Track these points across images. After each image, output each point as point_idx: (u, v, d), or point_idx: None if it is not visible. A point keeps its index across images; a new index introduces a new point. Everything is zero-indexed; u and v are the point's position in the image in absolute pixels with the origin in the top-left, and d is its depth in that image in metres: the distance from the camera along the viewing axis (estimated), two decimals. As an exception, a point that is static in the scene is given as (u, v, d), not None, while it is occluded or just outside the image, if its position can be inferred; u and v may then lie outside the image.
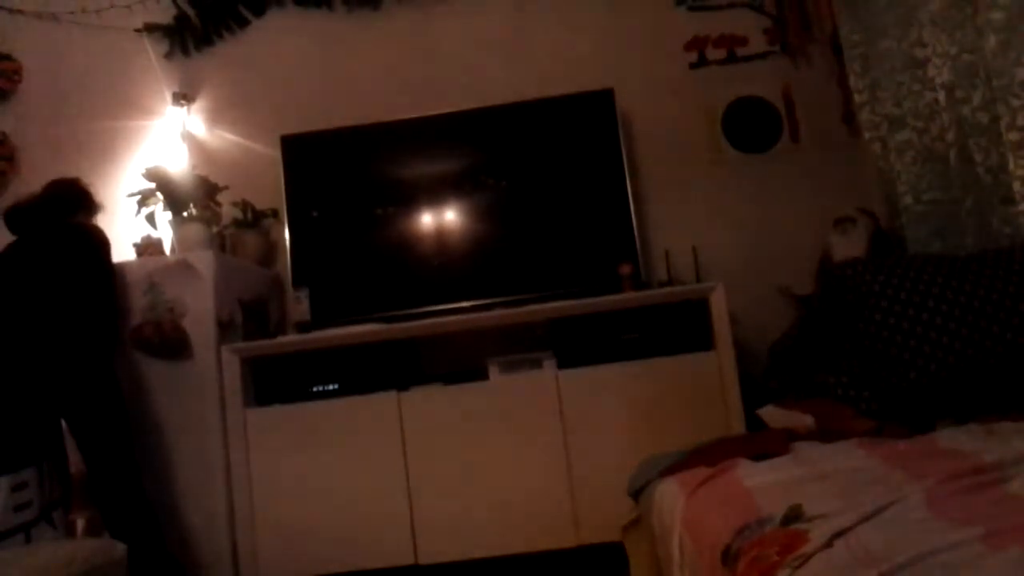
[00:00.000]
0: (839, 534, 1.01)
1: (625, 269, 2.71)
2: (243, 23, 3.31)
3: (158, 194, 2.85)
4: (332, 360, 2.64)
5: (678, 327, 2.56)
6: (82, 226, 2.49)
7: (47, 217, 2.46)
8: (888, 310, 1.85)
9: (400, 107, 3.05)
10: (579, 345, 2.57)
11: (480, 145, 2.97)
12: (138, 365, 2.52)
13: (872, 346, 1.88)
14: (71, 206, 2.54)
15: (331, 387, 2.61)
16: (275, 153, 3.02)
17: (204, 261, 2.57)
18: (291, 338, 2.67)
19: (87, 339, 2.31)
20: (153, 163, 2.92)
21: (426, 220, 2.94)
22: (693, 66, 3.16)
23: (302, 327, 2.73)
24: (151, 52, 3.30)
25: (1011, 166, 1.98)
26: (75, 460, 2.34)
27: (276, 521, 2.50)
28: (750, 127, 3.10)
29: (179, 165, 3.08)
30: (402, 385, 2.57)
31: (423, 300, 2.85)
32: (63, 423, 2.32)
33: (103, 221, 2.67)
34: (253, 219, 3.07)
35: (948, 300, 1.82)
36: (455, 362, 2.75)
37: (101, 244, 2.47)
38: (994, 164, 2.13)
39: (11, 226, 2.46)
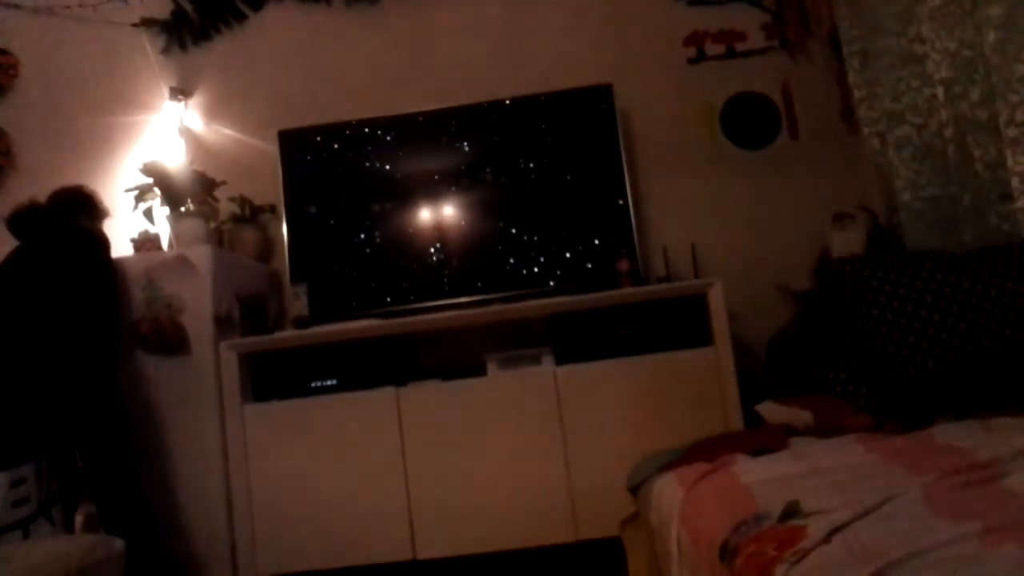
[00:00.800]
0: (837, 530, 1.01)
1: (623, 265, 2.71)
2: (241, 18, 3.30)
3: (155, 189, 2.84)
4: (330, 356, 2.64)
5: (676, 323, 2.56)
6: (80, 227, 2.50)
7: (49, 221, 2.47)
8: (886, 306, 1.85)
9: (398, 102, 3.04)
10: (577, 341, 2.57)
11: (478, 140, 2.96)
12: (135, 361, 2.51)
13: (870, 342, 1.89)
14: (73, 210, 2.55)
15: (329, 383, 2.61)
16: (273, 148, 3.01)
17: (202, 257, 2.57)
18: (289, 334, 2.66)
19: (88, 338, 2.31)
20: (150, 158, 2.92)
21: (424, 216, 2.94)
22: (692, 61, 3.16)
23: (300, 323, 2.72)
24: (148, 47, 3.28)
25: (1009, 162, 1.98)
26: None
27: (274, 517, 2.50)
28: (749, 123, 3.10)
29: (176, 160, 3.07)
30: (400, 381, 2.57)
31: (421, 296, 2.85)
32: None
33: (101, 217, 2.68)
34: (251, 214, 3.06)
35: (946, 296, 1.82)
36: (453, 358, 2.75)
37: (100, 243, 2.47)
38: (992, 160, 2.13)
39: (14, 231, 2.47)
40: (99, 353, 2.33)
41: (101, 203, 2.66)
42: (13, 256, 2.41)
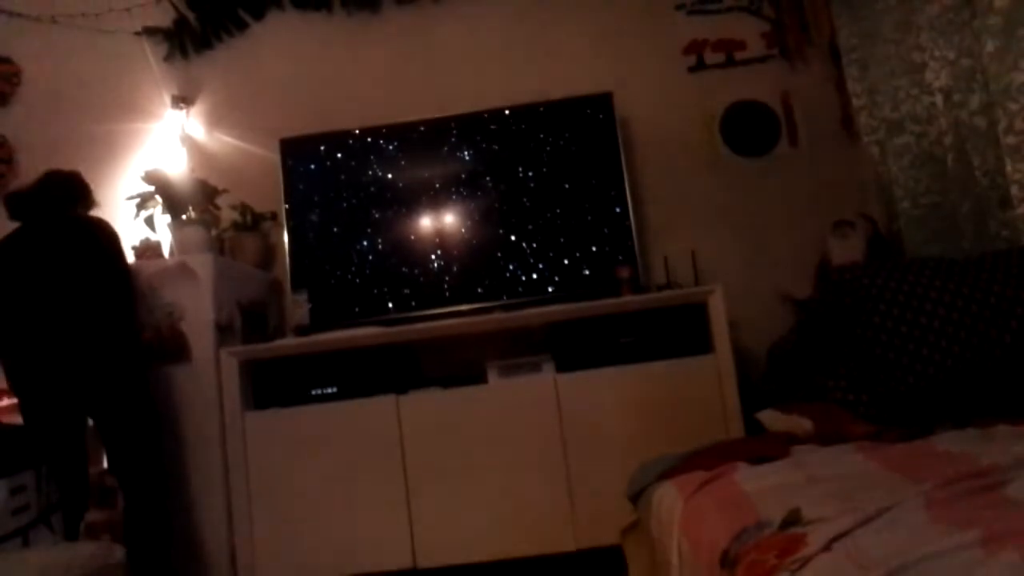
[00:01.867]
0: (837, 538, 1.01)
1: (624, 273, 2.71)
2: (242, 26, 3.31)
3: (157, 197, 2.85)
4: (331, 363, 2.64)
5: (677, 331, 2.56)
6: (93, 220, 2.46)
7: (51, 207, 2.41)
8: (886, 314, 1.86)
9: (399, 110, 3.05)
10: (578, 349, 2.57)
11: (479, 148, 2.97)
12: (136, 368, 2.51)
13: (870, 350, 1.88)
14: (73, 198, 2.49)
15: (330, 390, 2.61)
16: (274, 156, 3.02)
17: (203, 264, 2.57)
18: (290, 341, 2.66)
19: (117, 342, 2.30)
20: (152, 166, 2.93)
21: (425, 223, 2.95)
22: (692, 70, 3.17)
23: (301, 330, 2.72)
24: (150, 55, 3.30)
25: (1008, 170, 1.99)
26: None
27: (274, 524, 2.49)
28: (748, 131, 3.11)
29: (178, 168, 3.08)
30: (401, 389, 2.57)
31: (422, 303, 2.86)
32: (86, 425, 2.32)
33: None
34: (252, 222, 3.07)
35: (946, 304, 1.82)
36: (454, 366, 2.75)
37: (112, 239, 2.44)
38: (991, 168, 2.13)
39: (13, 213, 2.41)
40: (128, 355, 2.32)
41: (93, 192, 2.61)
42: (16, 240, 2.35)
